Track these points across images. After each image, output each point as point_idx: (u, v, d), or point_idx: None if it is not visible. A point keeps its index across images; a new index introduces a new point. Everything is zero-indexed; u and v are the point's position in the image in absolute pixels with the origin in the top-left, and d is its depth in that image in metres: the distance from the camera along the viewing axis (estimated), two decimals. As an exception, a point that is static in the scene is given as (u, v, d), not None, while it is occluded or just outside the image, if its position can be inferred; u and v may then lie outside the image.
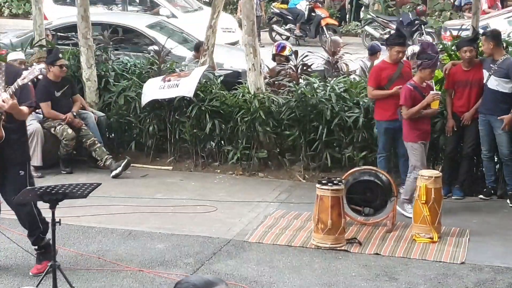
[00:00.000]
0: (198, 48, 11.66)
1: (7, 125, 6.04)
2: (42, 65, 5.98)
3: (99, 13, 15.81)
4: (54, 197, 5.76)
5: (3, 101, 5.83)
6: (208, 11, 12.28)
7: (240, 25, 11.77)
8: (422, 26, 18.38)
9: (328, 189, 7.08)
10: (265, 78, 9.89)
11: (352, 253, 6.98)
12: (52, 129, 9.25)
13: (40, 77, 6.11)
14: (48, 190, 5.77)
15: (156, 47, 11.24)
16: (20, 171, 6.17)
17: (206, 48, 10.47)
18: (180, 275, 6.40)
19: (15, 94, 5.90)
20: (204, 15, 14.19)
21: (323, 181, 7.20)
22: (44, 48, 10.42)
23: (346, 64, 10.82)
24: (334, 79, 9.54)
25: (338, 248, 7.03)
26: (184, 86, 9.43)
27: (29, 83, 6.03)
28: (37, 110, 9.44)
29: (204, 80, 9.73)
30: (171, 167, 9.61)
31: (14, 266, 6.59)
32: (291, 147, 9.40)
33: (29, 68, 5.99)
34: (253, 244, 7.18)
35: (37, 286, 5.91)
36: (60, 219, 5.81)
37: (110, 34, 11.74)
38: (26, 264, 6.54)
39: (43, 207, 6.07)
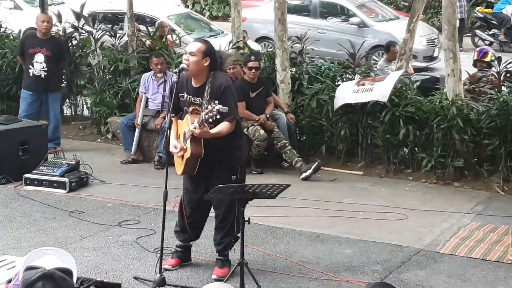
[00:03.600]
0: (388, 48, 11.40)
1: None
2: (219, 106, 5.91)
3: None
4: (245, 196, 5.77)
5: (195, 128, 5.94)
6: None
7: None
8: None
9: (529, 203, 6.64)
10: (464, 84, 9.49)
11: (553, 272, 6.50)
12: (245, 129, 9.35)
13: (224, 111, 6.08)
14: (239, 189, 5.80)
15: None
16: (232, 176, 6.21)
17: (403, 52, 10.21)
18: (367, 282, 6.24)
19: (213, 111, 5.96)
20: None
21: (524, 194, 6.76)
22: (241, 51, 10.62)
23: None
24: (540, 87, 8.98)
25: (538, 266, 6.57)
26: (379, 91, 9.24)
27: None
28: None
29: (399, 85, 9.48)
30: (361, 172, 9.45)
31: (203, 261, 6.69)
32: (490, 157, 8.94)
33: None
34: (445, 255, 6.85)
35: (225, 282, 5.96)
36: (249, 218, 5.82)
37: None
38: (213, 257, 6.59)
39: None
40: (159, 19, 14.97)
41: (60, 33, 11.30)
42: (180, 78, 6.23)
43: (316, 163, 9.22)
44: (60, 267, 3.75)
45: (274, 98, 9.79)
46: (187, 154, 6.12)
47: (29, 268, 3.74)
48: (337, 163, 9.67)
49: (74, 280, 3.85)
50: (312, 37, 12.16)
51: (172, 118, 6.24)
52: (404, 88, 9.50)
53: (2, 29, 12.30)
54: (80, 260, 6.61)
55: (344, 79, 10.04)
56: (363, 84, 9.44)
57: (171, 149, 6.20)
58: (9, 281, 5.20)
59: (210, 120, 5.90)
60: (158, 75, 9.80)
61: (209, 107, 5.93)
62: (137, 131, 9.77)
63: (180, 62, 6.26)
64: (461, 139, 8.83)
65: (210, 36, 15.58)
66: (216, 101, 5.96)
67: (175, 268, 6.49)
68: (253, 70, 9.38)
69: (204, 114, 5.90)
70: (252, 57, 9.47)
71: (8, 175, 8.76)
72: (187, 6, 23.59)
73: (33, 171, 8.72)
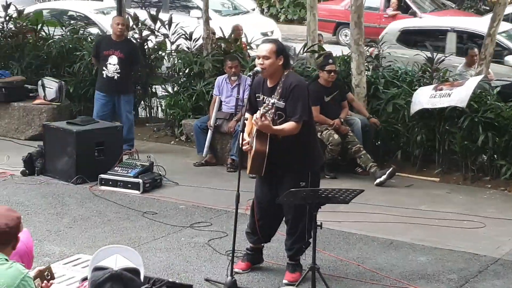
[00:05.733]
0: (466, 51, 11.16)
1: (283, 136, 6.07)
2: (274, 100, 5.95)
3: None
4: (317, 200, 5.72)
5: (256, 119, 5.90)
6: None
7: None
8: None
9: None
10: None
11: None
12: (319, 134, 9.26)
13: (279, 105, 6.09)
14: (311, 193, 5.74)
15: None
16: (301, 182, 6.10)
17: (483, 57, 9.96)
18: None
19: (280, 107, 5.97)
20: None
21: None
22: (316, 54, 10.55)
23: None
24: None
25: None
26: (457, 96, 9.03)
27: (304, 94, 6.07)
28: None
29: (478, 91, 9.26)
30: (438, 179, 9.25)
31: (274, 265, 6.64)
32: None
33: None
34: (524, 266, 6.66)
35: (296, 287, 5.91)
36: (321, 223, 5.75)
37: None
38: (284, 261, 6.51)
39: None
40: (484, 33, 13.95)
41: (136, 35, 11.42)
42: (257, 78, 6.21)
43: (391, 168, 9.07)
44: (127, 267, 3.75)
45: (356, 103, 9.67)
46: (252, 151, 6.08)
47: (97, 269, 3.76)
48: (413, 169, 9.49)
49: (142, 278, 3.84)
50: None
51: (245, 121, 6.21)
52: (483, 93, 9.28)
53: (81, 32, 12.51)
54: (153, 260, 6.64)
55: (422, 84, 9.85)
56: (441, 89, 9.25)
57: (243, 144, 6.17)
58: (84, 279, 5.25)
59: (267, 113, 5.88)
60: (232, 78, 9.80)
61: (267, 101, 5.91)
62: (209, 133, 9.79)
63: (255, 66, 6.23)
64: (542, 146, 8.58)
65: None
66: (275, 96, 5.95)
67: (245, 272, 6.46)
68: (332, 73, 9.28)
69: (262, 108, 5.91)
70: (330, 60, 9.38)
71: (84, 175, 8.88)
72: (262, 10, 23.64)
73: (108, 172, 8.82)
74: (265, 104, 5.95)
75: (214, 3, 19.27)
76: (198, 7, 17.86)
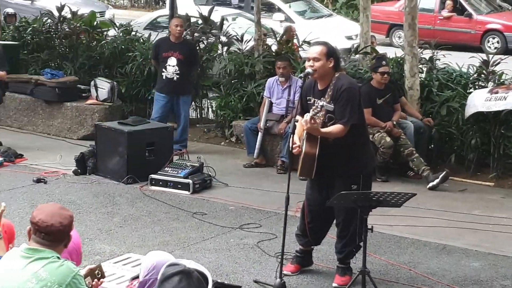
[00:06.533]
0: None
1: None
2: (323, 103, 5.93)
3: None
4: (368, 203, 5.63)
5: (305, 121, 5.84)
6: None
7: None
8: None
9: None
10: None
11: None
12: (371, 136, 9.15)
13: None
14: (362, 196, 5.66)
15: None
16: (352, 185, 6.01)
17: (539, 59, 9.75)
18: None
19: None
20: None
21: None
22: (368, 56, 10.45)
23: None
24: None
25: None
26: (513, 99, 8.85)
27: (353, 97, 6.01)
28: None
29: (535, 94, 9.06)
30: (492, 183, 9.07)
31: (323, 268, 6.58)
32: None
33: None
34: None
35: (346, 290, 5.87)
36: (372, 226, 5.67)
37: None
38: (334, 264, 6.45)
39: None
40: None
41: (188, 37, 11.45)
42: (308, 81, 6.17)
43: (444, 172, 8.92)
44: (200, 270, 3.80)
45: (408, 107, 9.55)
46: (302, 153, 6.03)
47: (171, 265, 3.86)
48: (467, 173, 9.33)
49: None
50: None
51: (296, 123, 6.15)
52: (540, 96, 9.07)
53: (133, 33, 12.59)
54: (202, 261, 6.61)
55: (477, 87, 9.67)
56: (497, 92, 9.07)
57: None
58: (133, 278, 5.27)
59: (316, 116, 5.85)
60: (280, 79, 9.75)
61: (316, 103, 5.88)
62: (259, 135, 9.76)
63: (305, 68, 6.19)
64: None
65: None
66: (325, 99, 5.92)
67: (294, 274, 6.41)
68: (385, 75, 9.19)
69: (312, 111, 5.89)
70: (383, 62, 9.27)
71: (134, 175, 8.92)
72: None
73: (159, 172, 8.84)
74: (314, 107, 5.93)
75: (298, 6, 19.30)
76: (280, 10, 17.88)
